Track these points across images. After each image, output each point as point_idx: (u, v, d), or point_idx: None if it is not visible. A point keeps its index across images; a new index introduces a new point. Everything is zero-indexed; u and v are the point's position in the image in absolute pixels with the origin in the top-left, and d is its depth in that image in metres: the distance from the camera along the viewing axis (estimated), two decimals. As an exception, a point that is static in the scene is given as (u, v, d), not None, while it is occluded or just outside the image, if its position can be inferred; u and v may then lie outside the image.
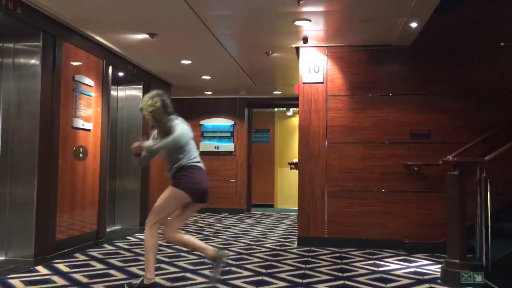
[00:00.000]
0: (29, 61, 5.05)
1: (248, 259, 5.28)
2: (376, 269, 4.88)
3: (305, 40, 6.11)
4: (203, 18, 5.28)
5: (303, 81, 6.41)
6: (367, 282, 4.31)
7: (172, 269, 4.74)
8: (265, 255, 5.58)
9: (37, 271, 4.58)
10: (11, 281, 4.14)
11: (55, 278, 4.30)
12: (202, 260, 5.01)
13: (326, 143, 6.30)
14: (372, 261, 5.28)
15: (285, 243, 6.52)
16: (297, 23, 5.42)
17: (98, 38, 6.09)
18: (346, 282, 4.29)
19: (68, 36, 5.52)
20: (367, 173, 6.20)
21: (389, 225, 6.10)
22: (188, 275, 4.49)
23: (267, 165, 12.35)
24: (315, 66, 6.37)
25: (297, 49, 6.46)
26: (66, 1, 4.83)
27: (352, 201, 6.21)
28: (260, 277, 4.40)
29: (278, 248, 6.09)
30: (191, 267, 4.82)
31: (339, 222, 6.22)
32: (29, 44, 5.07)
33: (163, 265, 4.89)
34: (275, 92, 10.17)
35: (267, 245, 6.28)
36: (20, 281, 4.15)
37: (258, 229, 7.99)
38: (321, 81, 6.36)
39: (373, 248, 6.00)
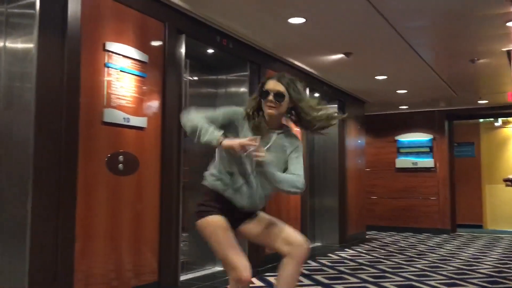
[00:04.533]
0: (238, 90, 5.58)
1: (462, 285, 4.84)
2: None
3: (519, 41, 5.45)
4: (400, 31, 5.13)
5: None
6: None
7: None
8: (482, 281, 5.04)
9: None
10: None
11: (268, 290, 4.57)
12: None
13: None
14: None
15: (503, 269, 5.80)
16: (510, 24, 4.87)
17: (296, 62, 6.41)
18: None
19: (270, 64, 5.94)
20: None
21: None
22: None
23: (472, 181, 11.26)
24: (532, 69, 5.62)
25: (509, 52, 5.80)
26: (269, 32, 5.21)
27: None
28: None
29: (496, 274, 5.45)
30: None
31: None
32: (238, 74, 5.61)
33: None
34: (479, 102, 9.28)
35: (482, 271, 5.67)
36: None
37: (468, 252, 7.29)
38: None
39: None
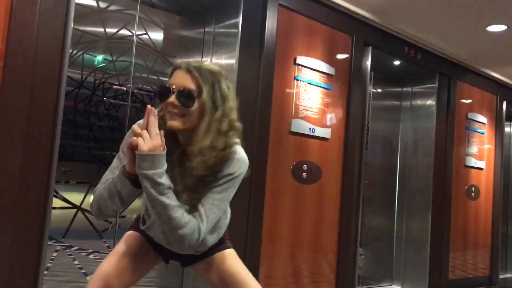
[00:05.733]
0: (425, 102, 5.32)
1: None
2: None
3: None
4: None
5: None
6: None
7: None
8: None
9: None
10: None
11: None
12: None
13: None
14: None
15: None
16: None
17: (491, 73, 5.86)
18: None
19: (462, 75, 5.53)
20: None
21: None
22: None
23: None
24: None
25: None
26: (464, 41, 4.86)
27: None
28: None
29: None
30: None
31: None
32: (425, 86, 5.35)
33: None
34: None
35: None
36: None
37: None
38: None
39: None
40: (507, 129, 7.12)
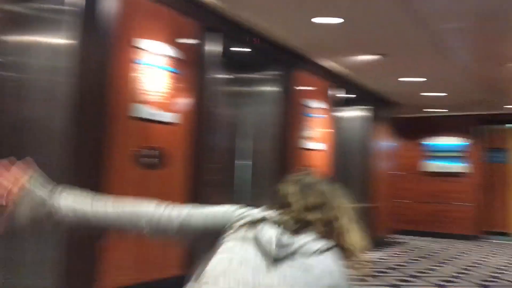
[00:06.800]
0: (268, 89, 5.62)
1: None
2: None
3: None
4: (435, 32, 5.06)
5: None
6: None
7: None
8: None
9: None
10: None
11: None
12: None
13: None
14: None
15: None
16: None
17: (326, 63, 6.39)
18: None
19: (301, 64, 5.94)
20: None
21: None
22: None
23: (503, 188, 10.95)
24: None
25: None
26: (300, 31, 5.19)
27: None
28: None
29: None
30: None
31: None
32: (269, 73, 5.65)
33: None
34: (506, 106, 9.04)
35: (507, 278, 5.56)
36: None
37: (495, 259, 7.14)
38: None
39: None
40: (344, 114, 7.83)
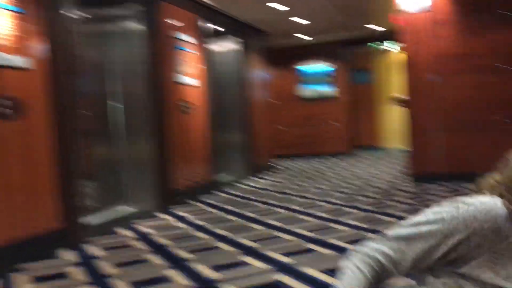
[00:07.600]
0: (133, 25, 5.32)
1: (359, 200, 5.30)
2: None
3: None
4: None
5: (406, 11, 6.04)
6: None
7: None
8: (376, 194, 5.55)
9: (160, 218, 4.99)
10: (137, 226, 4.57)
11: (178, 224, 4.66)
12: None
13: (435, 75, 5.95)
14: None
15: (393, 180, 6.43)
16: None
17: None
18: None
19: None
20: (483, 103, 5.79)
21: None
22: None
23: (369, 106, 11.97)
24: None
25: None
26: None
27: (468, 133, 5.86)
28: (372, 215, 4.41)
29: (389, 188, 6.01)
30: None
31: (454, 156, 5.93)
32: (132, 8, 5.32)
33: (274, 209, 5.06)
34: (369, 26, 9.65)
35: (377, 185, 6.22)
36: (145, 225, 4.56)
37: (366, 169, 7.92)
38: (427, 8, 5.96)
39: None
40: (216, 47, 7.76)
